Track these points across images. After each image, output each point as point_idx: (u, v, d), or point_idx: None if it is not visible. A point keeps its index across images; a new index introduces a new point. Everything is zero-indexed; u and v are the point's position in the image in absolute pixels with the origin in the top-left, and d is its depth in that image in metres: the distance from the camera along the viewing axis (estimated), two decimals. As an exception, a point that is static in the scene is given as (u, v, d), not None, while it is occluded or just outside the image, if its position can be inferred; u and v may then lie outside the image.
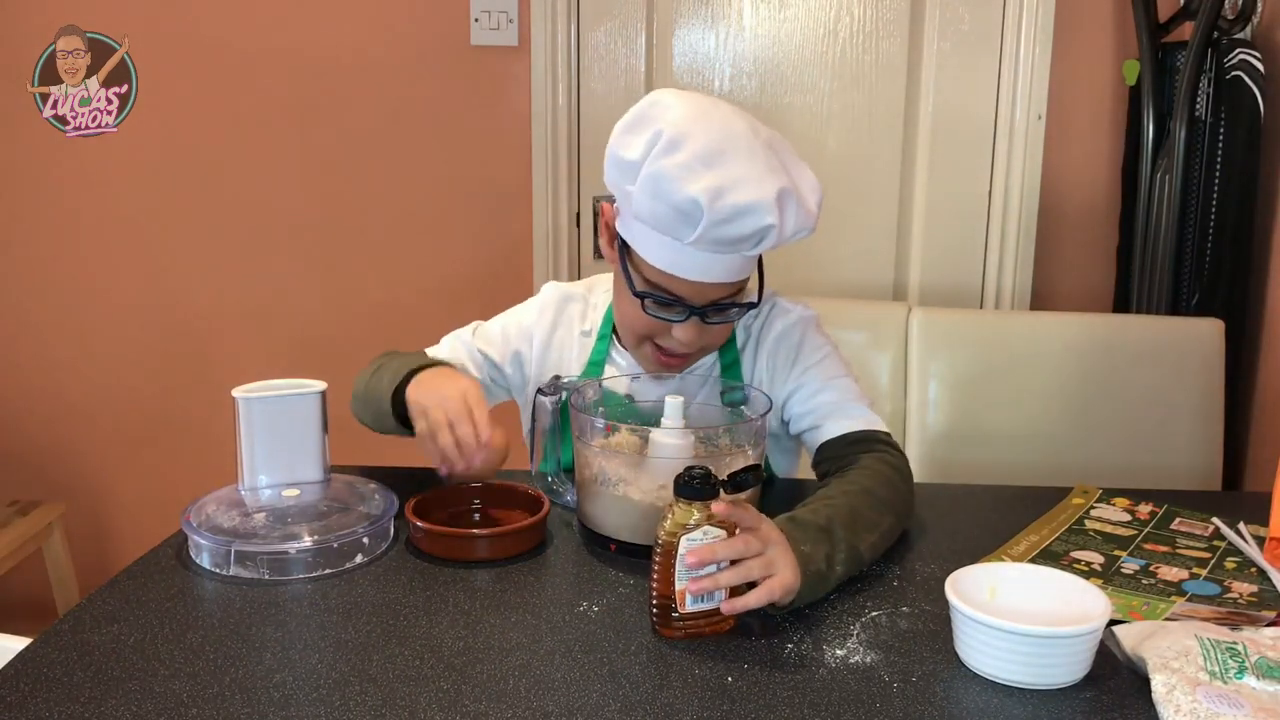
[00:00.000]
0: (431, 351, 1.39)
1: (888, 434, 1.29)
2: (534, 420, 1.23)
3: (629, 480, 1.11)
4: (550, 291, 1.42)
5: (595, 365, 1.36)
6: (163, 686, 0.87)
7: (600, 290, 1.42)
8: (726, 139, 1.13)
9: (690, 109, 1.16)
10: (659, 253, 1.19)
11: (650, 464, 1.12)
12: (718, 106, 1.19)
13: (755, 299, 1.26)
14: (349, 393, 1.38)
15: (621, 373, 1.33)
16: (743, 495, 1.04)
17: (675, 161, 1.11)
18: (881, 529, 1.13)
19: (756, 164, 1.13)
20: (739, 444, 1.15)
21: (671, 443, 1.11)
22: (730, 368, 1.34)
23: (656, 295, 1.22)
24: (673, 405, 1.13)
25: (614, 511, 1.12)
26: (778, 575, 0.96)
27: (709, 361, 1.34)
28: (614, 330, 1.36)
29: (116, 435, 2.62)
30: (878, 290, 2.40)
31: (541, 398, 1.21)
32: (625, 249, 1.24)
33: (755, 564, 0.96)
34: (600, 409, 1.23)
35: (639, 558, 1.10)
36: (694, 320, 1.22)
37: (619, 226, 1.24)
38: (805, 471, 1.40)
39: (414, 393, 1.21)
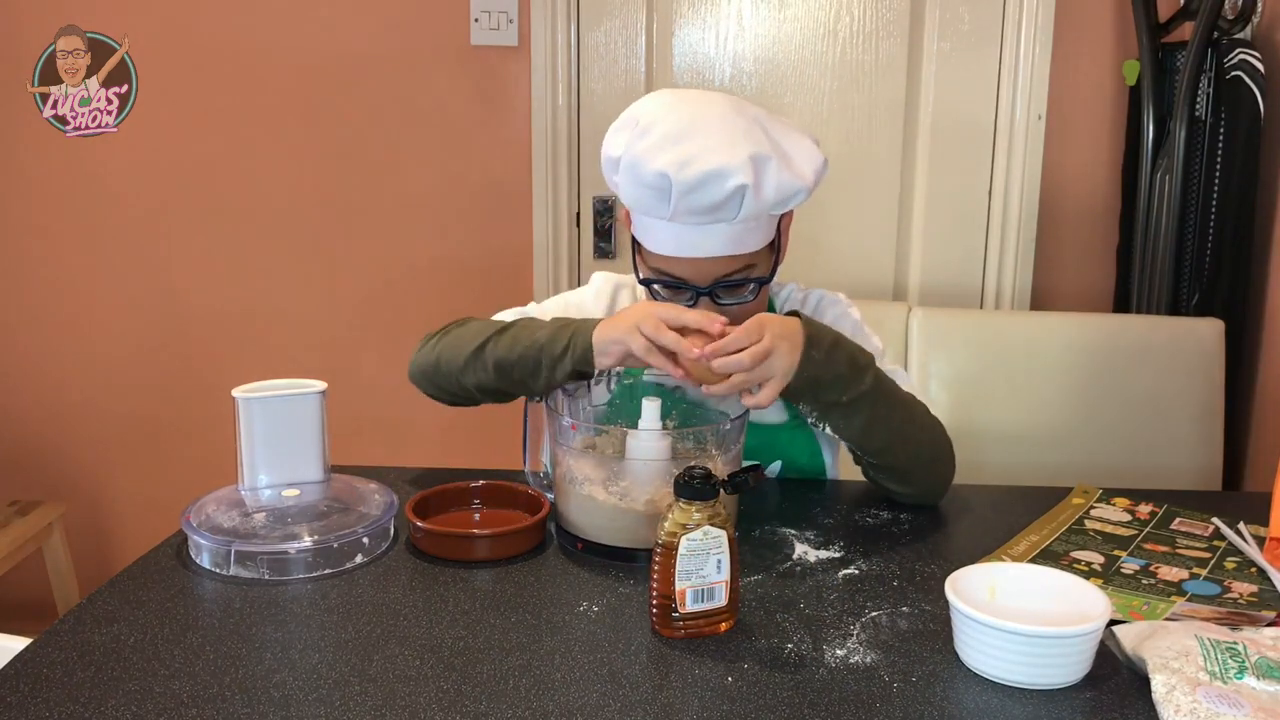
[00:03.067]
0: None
1: (939, 421, 1.31)
2: (526, 420, 1.24)
3: (594, 480, 1.12)
4: (602, 281, 1.44)
5: None
6: (163, 686, 0.87)
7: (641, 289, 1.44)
8: (699, 117, 1.17)
9: (670, 99, 1.21)
10: (654, 236, 1.22)
11: (619, 465, 1.12)
12: (703, 94, 1.22)
13: (768, 275, 1.25)
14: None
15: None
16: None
17: (646, 144, 1.16)
18: (907, 412, 1.23)
19: (729, 134, 1.16)
20: (701, 444, 1.16)
21: (644, 444, 1.12)
22: None
23: (661, 280, 1.24)
24: (650, 408, 1.14)
25: (580, 511, 1.13)
26: (778, 364, 1.12)
27: None
28: None
29: (116, 435, 2.62)
30: (878, 290, 2.40)
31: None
32: (635, 245, 1.27)
33: (751, 351, 1.10)
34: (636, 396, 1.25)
35: (605, 558, 1.11)
36: (705, 302, 1.23)
37: (632, 228, 1.27)
38: (846, 471, 1.41)
39: (603, 332, 1.18)
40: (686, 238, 1.19)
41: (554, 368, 1.19)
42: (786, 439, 1.35)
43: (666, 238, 1.20)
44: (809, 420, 1.24)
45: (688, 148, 1.14)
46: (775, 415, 1.35)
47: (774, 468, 1.37)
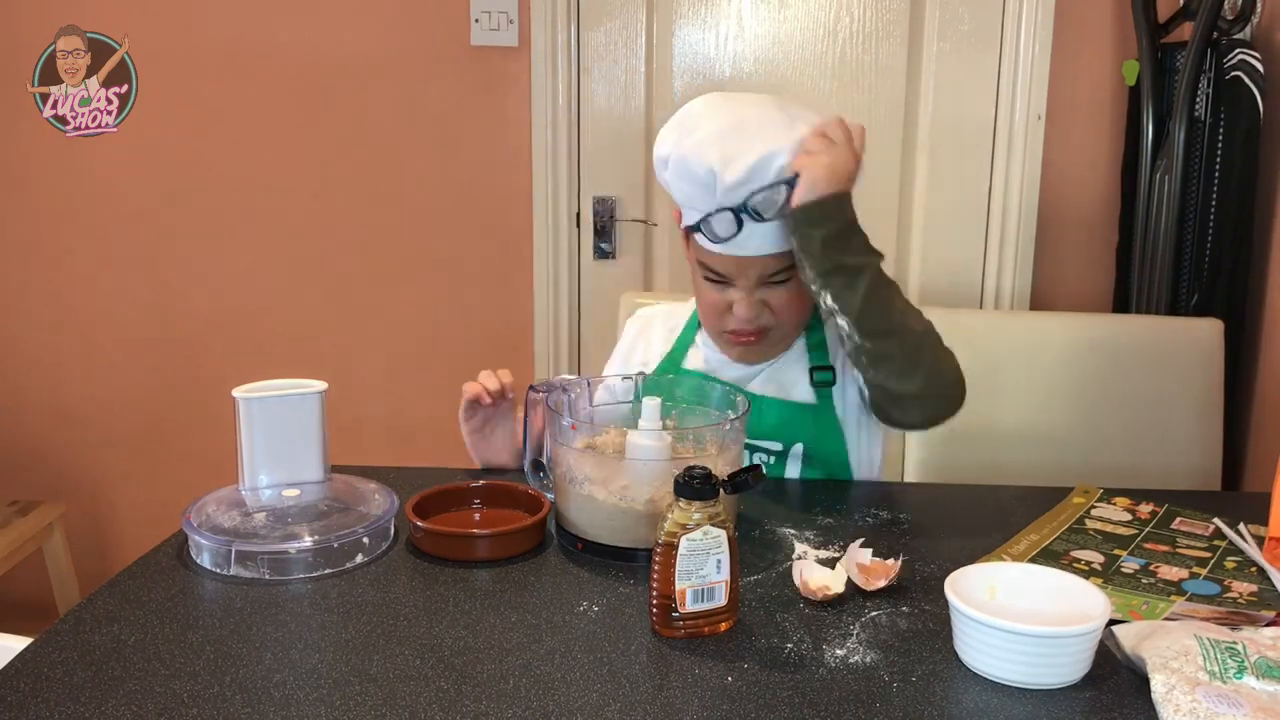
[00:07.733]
0: None
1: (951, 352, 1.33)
2: (527, 419, 1.24)
3: (594, 479, 1.12)
4: (632, 324, 1.54)
5: (679, 350, 1.44)
6: (163, 686, 0.87)
7: (681, 306, 1.52)
8: (743, 116, 1.24)
9: (718, 100, 1.29)
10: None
11: (619, 465, 1.12)
12: (748, 97, 1.30)
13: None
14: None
15: (704, 358, 1.42)
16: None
17: (693, 141, 1.23)
18: (912, 309, 1.27)
19: (773, 128, 1.23)
20: (701, 444, 1.15)
21: (644, 444, 1.11)
22: (817, 348, 1.38)
23: (707, 275, 1.30)
24: (649, 407, 1.14)
25: (580, 511, 1.13)
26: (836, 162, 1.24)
27: (800, 345, 1.39)
28: (699, 325, 1.44)
29: (117, 435, 2.62)
30: (878, 290, 2.40)
31: (534, 394, 1.22)
32: (688, 237, 1.33)
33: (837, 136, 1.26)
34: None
35: (605, 558, 1.11)
36: (745, 294, 1.28)
37: (681, 223, 1.33)
38: (890, 473, 1.42)
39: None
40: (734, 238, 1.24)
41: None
42: (812, 419, 1.36)
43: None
44: (812, 287, 1.25)
45: (734, 144, 1.21)
46: (804, 395, 1.37)
47: (796, 450, 1.37)
